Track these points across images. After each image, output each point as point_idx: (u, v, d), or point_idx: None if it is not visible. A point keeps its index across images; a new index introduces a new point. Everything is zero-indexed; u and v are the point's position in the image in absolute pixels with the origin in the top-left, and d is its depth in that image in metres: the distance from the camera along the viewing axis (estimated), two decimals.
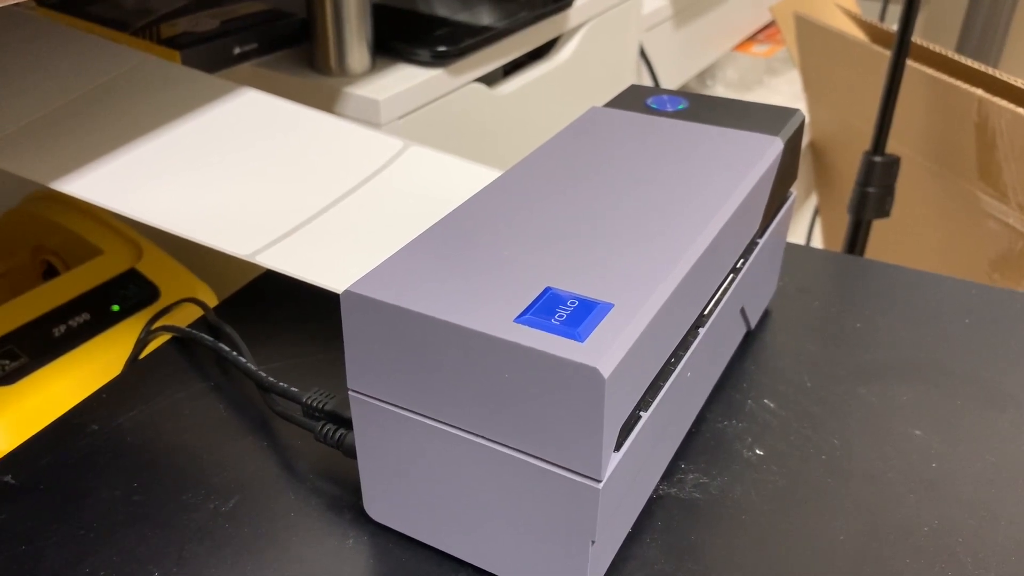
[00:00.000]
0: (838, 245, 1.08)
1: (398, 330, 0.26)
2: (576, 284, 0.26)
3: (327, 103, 0.64)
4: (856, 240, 0.83)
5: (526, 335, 0.24)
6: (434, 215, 0.40)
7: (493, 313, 0.25)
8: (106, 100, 0.46)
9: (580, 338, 0.24)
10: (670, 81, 1.11)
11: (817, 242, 1.27)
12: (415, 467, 0.28)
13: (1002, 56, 1.29)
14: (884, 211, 0.80)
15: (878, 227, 0.94)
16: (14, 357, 0.43)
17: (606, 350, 0.23)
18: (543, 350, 0.23)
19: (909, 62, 0.81)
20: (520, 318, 0.25)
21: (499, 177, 0.33)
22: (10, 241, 0.54)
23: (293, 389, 0.33)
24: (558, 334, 0.24)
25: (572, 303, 0.25)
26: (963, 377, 0.38)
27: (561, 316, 0.25)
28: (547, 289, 0.26)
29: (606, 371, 0.23)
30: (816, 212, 1.19)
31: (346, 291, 0.26)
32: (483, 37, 0.69)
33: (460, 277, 0.27)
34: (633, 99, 0.40)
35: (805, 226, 1.31)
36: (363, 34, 0.65)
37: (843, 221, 0.87)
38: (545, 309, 0.25)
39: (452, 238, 0.29)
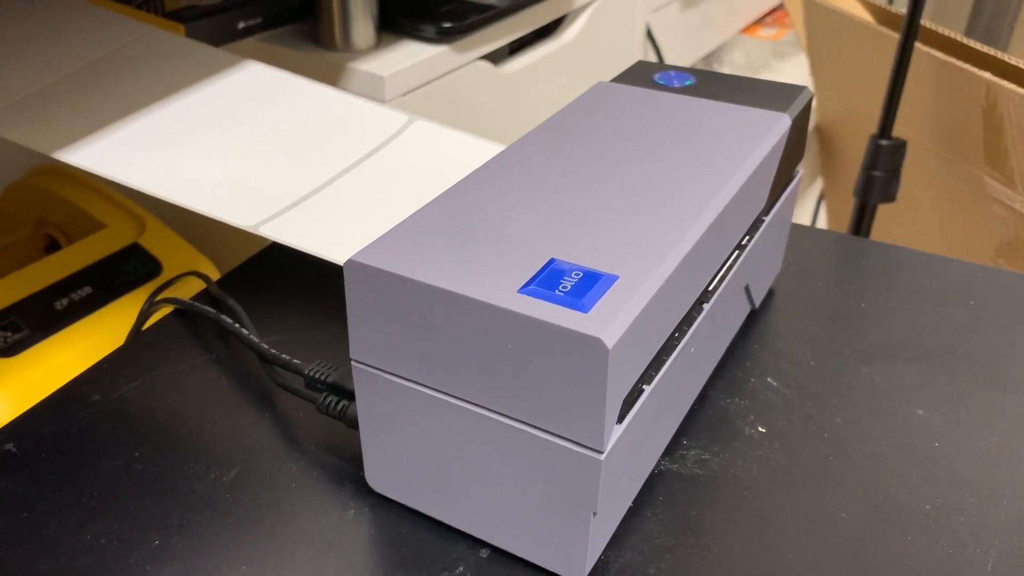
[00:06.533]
0: (843, 230, 1.08)
1: (402, 300, 0.26)
2: (580, 256, 0.26)
3: (331, 79, 0.63)
4: (861, 224, 0.82)
5: (530, 305, 0.24)
6: (438, 188, 0.40)
7: (497, 283, 0.25)
8: (110, 71, 0.46)
9: (584, 309, 0.24)
10: (676, 63, 1.10)
11: (822, 226, 1.27)
12: (417, 438, 0.28)
13: (1011, 40, 1.28)
14: (890, 195, 0.80)
15: (883, 211, 0.93)
16: (16, 329, 0.43)
17: (610, 321, 0.23)
18: (547, 320, 0.23)
19: (917, 45, 0.81)
20: (524, 289, 0.24)
21: (504, 150, 0.33)
22: (13, 214, 0.54)
23: (295, 361, 0.33)
24: (562, 305, 0.24)
25: (576, 274, 0.25)
26: (966, 358, 0.38)
27: (565, 287, 0.25)
28: (551, 260, 0.26)
29: (610, 342, 0.23)
30: (821, 196, 1.18)
31: (350, 261, 0.26)
32: (489, 14, 0.69)
33: (464, 248, 0.26)
34: (640, 74, 0.40)
35: (810, 210, 1.31)
36: (368, 9, 0.64)
37: (848, 205, 0.87)
38: (549, 280, 0.25)
39: (457, 209, 0.29)
